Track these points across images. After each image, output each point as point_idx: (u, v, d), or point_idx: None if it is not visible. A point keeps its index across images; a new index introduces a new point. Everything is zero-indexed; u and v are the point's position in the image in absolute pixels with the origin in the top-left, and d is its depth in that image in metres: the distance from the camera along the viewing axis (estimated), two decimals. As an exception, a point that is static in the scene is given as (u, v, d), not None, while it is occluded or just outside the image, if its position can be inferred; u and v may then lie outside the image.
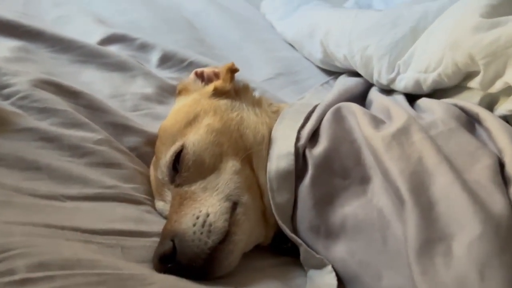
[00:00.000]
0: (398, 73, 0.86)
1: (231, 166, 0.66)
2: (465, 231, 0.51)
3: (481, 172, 0.58)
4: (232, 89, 0.77)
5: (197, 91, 0.78)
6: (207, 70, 0.81)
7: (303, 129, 0.69)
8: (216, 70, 0.80)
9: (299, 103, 0.80)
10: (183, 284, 0.56)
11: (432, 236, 0.52)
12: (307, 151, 0.67)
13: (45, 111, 0.72)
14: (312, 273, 0.64)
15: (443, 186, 0.55)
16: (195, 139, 0.66)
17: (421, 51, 0.82)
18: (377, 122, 0.68)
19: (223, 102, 0.73)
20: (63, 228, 0.57)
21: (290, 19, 1.21)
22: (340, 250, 0.63)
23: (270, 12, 1.31)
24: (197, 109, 0.71)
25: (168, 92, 0.90)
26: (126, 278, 0.53)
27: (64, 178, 0.65)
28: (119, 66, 0.90)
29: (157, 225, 0.65)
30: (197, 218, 0.60)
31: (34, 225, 0.55)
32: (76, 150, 0.69)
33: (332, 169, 0.66)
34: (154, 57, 0.99)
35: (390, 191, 0.60)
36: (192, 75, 0.81)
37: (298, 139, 0.68)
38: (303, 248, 0.64)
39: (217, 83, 0.76)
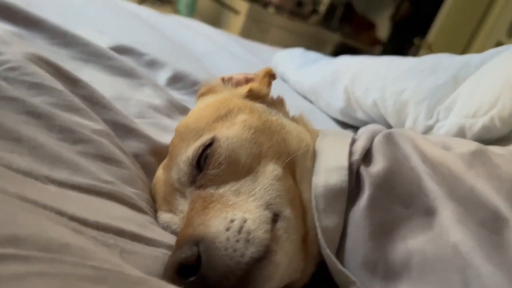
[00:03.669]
0: (437, 120, 0.77)
1: (271, 170, 0.51)
2: None
3: None
4: (268, 97, 0.65)
5: (227, 91, 0.65)
6: (236, 76, 0.69)
7: (355, 145, 0.58)
8: (249, 76, 0.68)
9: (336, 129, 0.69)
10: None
11: None
12: (362, 168, 0.54)
13: (37, 87, 0.57)
14: (363, 325, 0.48)
15: None
16: (229, 133, 0.53)
17: (467, 96, 0.75)
18: (443, 147, 0.57)
19: (259, 105, 0.61)
20: (45, 207, 0.40)
21: (309, 68, 1.14)
22: (403, 295, 0.48)
23: (285, 62, 1.25)
24: (230, 105, 0.58)
25: (178, 110, 0.77)
26: (134, 281, 0.36)
27: (50, 159, 0.49)
28: (126, 72, 0.77)
29: (166, 237, 0.49)
30: (232, 221, 0.44)
31: (8, 194, 0.38)
32: (69, 134, 0.54)
33: (394, 193, 0.53)
34: (164, 75, 0.87)
35: (470, 220, 0.48)
36: (217, 80, 0.69)
37: (351, 153, 0.56)
38: (354, 288, 0.48)
39: (253, 84, 0.64)
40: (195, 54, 1.09)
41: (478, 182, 0.48)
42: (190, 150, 0.53)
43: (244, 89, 0.64)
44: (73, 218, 0.41)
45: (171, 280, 0.40)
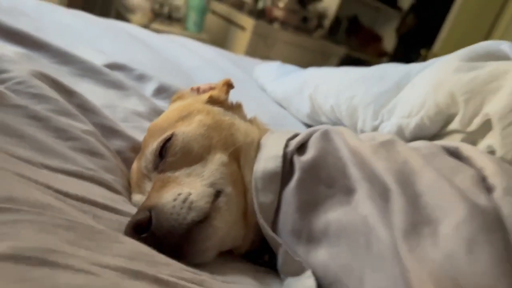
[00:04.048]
0: (382, 121, 0.90)
1: (218, 157, 0.65)
2: (452, 216, 0.51)
3: (464, 179, 0.59)
4: (226, 101, 0.79)
5: (192, 98, 0.79)
6: (203, 85, 0.83)
7: (292, 140, 0.71)
8: (212, 85, 0.83)
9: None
10: (153, 253, 0.52)
11: (419, 220, 0.52)
12: (295, 157, 0.67)
13: (38, 97, 0.72)
14: (289, 280, 0.60)
15: (429, 182, 0.56)
16: (185, 129, 0.67)
17: (404, 100, 0.88)
18: (371, 140, 0.70)
19: (216, 108, 0.75)
20: (36, 181, 0.54)
21: (283, 79, 1.29)
22: (321, 255, 0.60)
23: (263, 75, 1.39)
24: (191, 108, 0.72)
25: (159, 115, 0.91)
26: (97, 231, 0.50)
27: (46, 151, 0.63)
28: (115, 85, 0.92)
29: (134, 210, 0.62)
30: (179, 194, 0.58)
31: (5, 170, 0.53)
32: (62, 133, 0.68)
33: (319, 176, 0.66)
34: (150, 87, 1.02)
35: (375, 193, 0.60)
36: (187, 89, 0.83)
37: (286, 146, 0.69)
38: (282, 250, 0.61)
39: (213, 92, 0.79)
40: (184, 69, 1.24)
41: (377, 164, 0.61)
42: (155, 143, 0.67)
43: (206, 95, 0.78)
44: (57, 191, 0.55)
45: (130, 235, 0.53)
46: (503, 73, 0.71)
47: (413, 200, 0.54)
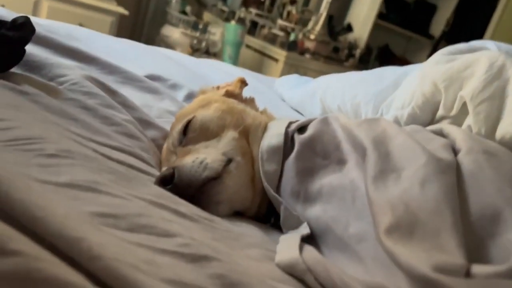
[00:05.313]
0: (381, 115, 1.02)
1: (230, 134, 0.79)
2: (413, 164, 0.62)
3: (435, 144, 0.70)
4: (240, 96, 0.94)
5: (212, 92, 0.95)
6: (222, 84, 0.99)
7: (294, 123, 0.84)
8: (229, 83, 0.99)
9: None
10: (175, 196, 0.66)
11: (386, 168, 0.63)
12: (295, 135, 0.81)
13: (89, 94, 0.90)
14: (289, 232, 0.72)
15: (400, 142, 0.68)
16: (204, 112, 0.82)
17: (399, 94, 1.00)
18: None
19: (231, 99, 0.90)
20: (86, 146, 0.70)
21: (298, 88, 1.44)
22: (315, 210, 0.72)
23: (282, 86, 1.55)
24: (210, 99, 0.87)
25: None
26: (132, 176, 0.65)
27: (94, 131, 0.79)
28: (151, 90, 1.10)
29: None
30: (197, 158, 0.72)
31: (63, 136, 0.69)
32: (107, 120, 0.85)
33: (315, 149, 0.79)
34: (182, 93, 1.20)
35: (360, 160, 0.72)
36: (209, 87, 1.00)
37: (288, 126, 0.82)
38: (283, 207, 0.74)
39: (229, 87, 0.94)
40: (210, 81, 1.41)
41: (359, 133, 0.73)
42: (180, 125, 0.82)
43: (223, 90, 0.93)
44: (102, 154, 0.71)
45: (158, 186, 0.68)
46: (475, 60, 0.82)
47: (384, 155, 0.66)
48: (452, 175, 0.60)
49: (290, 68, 3.80)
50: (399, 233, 0.54)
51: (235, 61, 3.73)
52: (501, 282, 0.47)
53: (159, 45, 3.71)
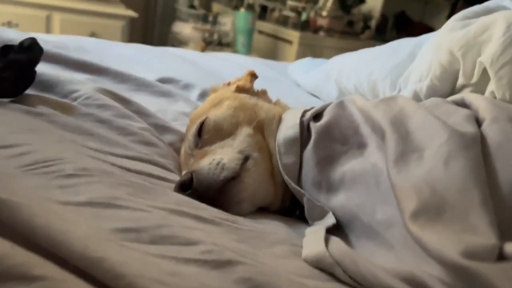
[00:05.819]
0: (400, 90, 0.99)
1: (244, 130, 0.78)
2: (435, 141, 0.60)
3: (457, 117, 0.67)
4: (251, 89, 0.93)
5: (223, 89, 0.94)
6: (232, 80, 0.98)
7: (309, 111, 0.82)
8: (239, 78, 0.97)
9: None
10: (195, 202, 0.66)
11: (407, 149, 0.61)
12: (311, 124, 0.79)
13: (102, 106, 0.90)
14: (315, 223, 0.71)
15: (419, 120, 0.65)
16: (216, 112, 0.81)
17: (415, 67, 0.96)
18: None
19: (242, 95, 0.89)
20: (104, 161, 0.70)
21: (312, 72, 1.41)
22: (340, 199, 0.70)
23: (296, 71, 1.52)
24: (221, 97, 0.87)
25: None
26: (150, 187, 0.65)
27: (110, 143, 0.80)
28: (165, 94, 1.10)
29: (181, 180, 0.77)
30: (213, 160, 0.71)
31: (80, 153, 0.69)
32: (123, 130, 0.85)
33: (333, 136, 0.77)
34: (195, 93, 1.20)
35: (381, 142, 0.69)
36: (220, 84, 0.99)
37: (303, 116, 0.81)
38: (306, 198, 0.72)
39: (239, 82, 0.93)
40: (223, 76, 1.40)
41: (376, 113, 0.70)
42: (194, 127, 0.81)
43: (233, 86, 0.92)
44: (120, 167, 0.71)
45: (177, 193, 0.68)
46: (492, 22, 0.78)
47: (404, 136, 0.63)
48: (477, 149, 0.57)
49: (305, 49, 3.74)
50: (426, 217, 0.52)
51: (249, 49, 3.71)
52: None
53: (172, 43, 3.72)
